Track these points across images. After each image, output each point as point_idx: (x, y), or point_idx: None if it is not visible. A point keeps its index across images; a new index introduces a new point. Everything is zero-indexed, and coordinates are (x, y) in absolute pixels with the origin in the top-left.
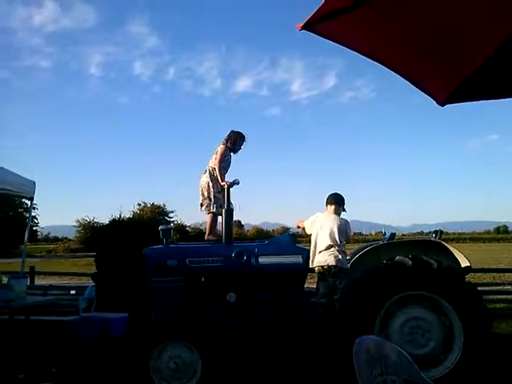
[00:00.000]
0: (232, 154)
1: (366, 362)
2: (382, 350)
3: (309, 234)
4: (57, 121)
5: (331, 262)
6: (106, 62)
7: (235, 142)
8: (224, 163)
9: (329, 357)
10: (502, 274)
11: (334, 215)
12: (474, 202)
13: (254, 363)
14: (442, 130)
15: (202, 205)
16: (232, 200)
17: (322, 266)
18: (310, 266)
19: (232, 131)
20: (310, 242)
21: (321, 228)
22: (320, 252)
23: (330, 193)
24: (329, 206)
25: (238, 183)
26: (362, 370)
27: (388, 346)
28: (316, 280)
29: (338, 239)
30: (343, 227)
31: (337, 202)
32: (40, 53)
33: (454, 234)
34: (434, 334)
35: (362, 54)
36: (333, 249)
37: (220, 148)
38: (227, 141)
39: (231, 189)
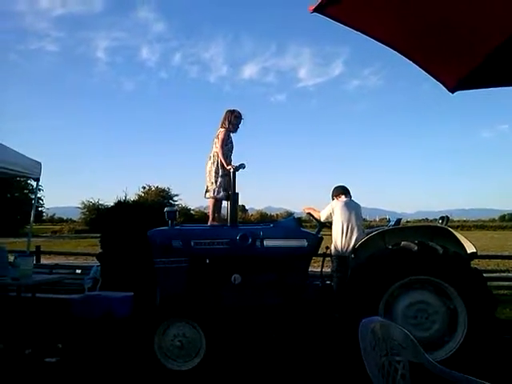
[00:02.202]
0: (232, 134)
1: (372, 342)
2: (387, 331)
3: (324, 220)
4: (63, 103)
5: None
6: (113, 47)
7: (231, 121)
8: (227, 146)
9: (333, 339)
10: (506, 260)
11: (355, 202)
12: (479, 190)
13: (257, 344)
14: (452, 119)
15: (207, 191)
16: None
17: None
18: (338, 250)
19: (227, 111)
20: (315, 226)
21: (351, 213)
22: (352, 235)
23: (337, 185)
24: (342, 195)
25: (244, 167)
26: (368, 351)
27: (393, 328)
28: (336, 263)
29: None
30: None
31: (347, 192)
32: (48, 37)
33: (458, 221)
34: (438, 317)
35: (372, 38)
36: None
37: (220, 132)
38: (224, 122)
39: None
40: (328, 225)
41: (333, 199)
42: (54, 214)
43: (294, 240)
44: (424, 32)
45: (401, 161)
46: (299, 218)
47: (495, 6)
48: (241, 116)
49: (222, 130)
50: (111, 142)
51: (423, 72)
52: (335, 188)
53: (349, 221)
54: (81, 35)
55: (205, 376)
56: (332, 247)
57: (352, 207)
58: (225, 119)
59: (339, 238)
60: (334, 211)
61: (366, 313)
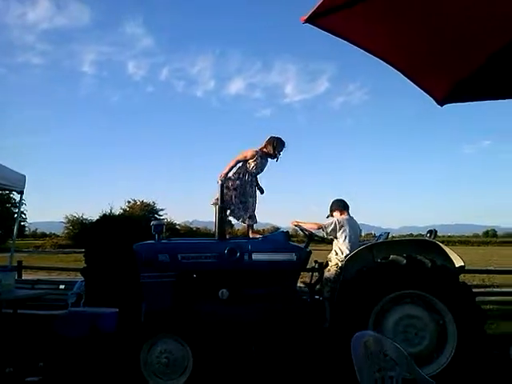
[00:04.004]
0: (272, 159)
1: (365, 357)
2: (380, 346)
3: (329, 236)
4: (47, 118)
5: None
6: (100, 61)
7: (276, 147)
8: (251, 167)
9: (323, 353)
10: (491, 275)
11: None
12: (463, 205)
13: (246, 360)
14: (435, 134)
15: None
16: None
17: None
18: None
19: (272, 136)
20: (302, 241)
21: (356, 230)
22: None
23: (338, 199)
24: (345, 211)
25: (232, 179)
26: (361, 365)
27: (387, 342)
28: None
29: None
30: None
31: (348, 208)
32: (33, 50)
33: (443, 236)
34: (427, 332)
35: (363, 49)
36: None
37: (251, 149)
38: (267, 146)
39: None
40: (319, 239)
41: (332, 212)
42: (37, 229)
43: (282, 254)
44: (414, 44)
45: (385, 176)
46: (287, 232)
47: (485, 18)
48: (284, 145)
49: (255, 149)
50: (96, 156)
51: (410, 86)
52: (337, 202)
53: (356, 238)
54: (67, 49)
55: None
56: (335, 260)
57: (356, 225)
58: (268, 144)
59: (346, 250)
60: (341, 226)
61: (355, 327)
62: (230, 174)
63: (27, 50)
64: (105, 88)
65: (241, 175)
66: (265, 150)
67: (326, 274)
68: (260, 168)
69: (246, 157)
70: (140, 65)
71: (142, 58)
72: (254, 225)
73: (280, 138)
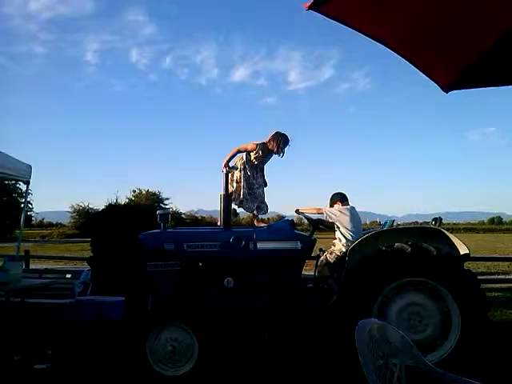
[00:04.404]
0: (277, 155)
1: (369, 344)
2: (384, 333)
3: (331, 221)
4: (52, 107)
5: None
6: (103, 49)
7: (280, 144)
8: (252, 161)
9: (327, 341)
10: (496, 262)
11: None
12: (469, 192)
13: (251, 348)
14: (441, 121)
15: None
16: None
17: None
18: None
19: (278, 132)
20: (307, 230)
21: (358, 218)
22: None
23: (337, 192)
24: (345, 202)
25: (236, 169)
26: (365, 353)
27: (390, 330)
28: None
29: None
30: None
31: (347, 199)
32: (36, 39)
33: (448, 224)
34: (431, 319)
35: (367, 36)
36: None
37: (253, 142)
38: (271, 142)
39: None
40: (322, 227)
41: (332, 204)
42: (43, 219)
43: (287, 242)
44: (419, 31)
45: (390, 164)
46: (292, 221)
47: (489, 4)
48: (289, 141)
49: (258, 142)
50: (101, 145)
51: (415, 74)
52: (337, 195)
53: (359, 226)
54: (70, 38)
55: (198, 381)
56: (341, 247)
57: (358, 215)
58: (272, 139)
59: (350, 239)
60: (345, 214)
61: (360, 314)
62: (231, 164)
63: (30, 40)
64: (108, 77)
65: (242, 167)
66: (268, 144)
67: (330, 260)
68: (261, 161)
69: (246, 148)
70: (143, 53)
71: (145, 47)
72: (264, 214)
73: (285, 135)
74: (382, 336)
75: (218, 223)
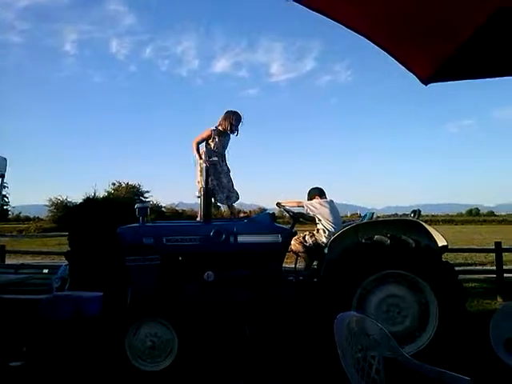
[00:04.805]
0: (232, 134)
1: (347, 337)
2: (362, 326)
3: (312, 214)
4: (28, 98)
5: None
6: (82, 40)
7: (232, 122)
8: (211, 145)
9: (306, 333)
10: (474, 254)
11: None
12: (447, 185)
13: (231, 342)
14: (419, 113)
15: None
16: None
17: None
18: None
19: (228, 111)
20: (288, 223)
21: (336, 212)
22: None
23: (314, 187)
24: (323, 196)
25: (215, 161)
26: (343, 346)
27: (369, 323)
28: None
29: None
30: None
31: (325, 194)
32: (13, 28)
33: (427, 216)
34: (410, 311)
35: (348, 28)
36: None
37: (206, 129)
38: (221, 122)
39: None
40: (303, 220)
41: (311, 199)
42: (20, 213)
43: (268, 235)
44: (399, 23)
45: (369, 156)
46: (273, 214)
47: None
48: (241, 118)
49: (210, 128)
50: (79, 137)
51: (396, 65)
52: (314, 189)
53: (338, 219)
54: (48, 27)
55: (178, 376)
56: (323, 239)
57: (336, 208)
58: (223, 119)
59: (329, 230)
60: (324, 206)
61: (339, 307)
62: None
63: (6, 29)
64: (87, 67)
65: (206, 157)
66: (221, 127)
67: (308, 242)
68: (222, 146)
69: (203, 137)
70: (123, 43)
71: (125, 37)
72: (235, 203)
73: (235, 112)
74: (360, 329)
75: (198, 218)
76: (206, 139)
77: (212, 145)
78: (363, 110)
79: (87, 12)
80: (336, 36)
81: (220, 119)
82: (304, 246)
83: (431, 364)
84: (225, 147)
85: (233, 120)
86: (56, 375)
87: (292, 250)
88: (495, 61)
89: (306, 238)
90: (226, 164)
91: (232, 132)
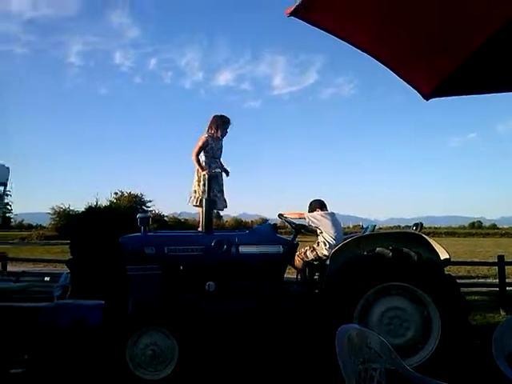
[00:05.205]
0: (221, 137)
1: (348, 350)
2: (364, 339)
3: (314, 226)
4: (33, 109)
5: None
6: (87, 51)
7: (219, 126)
8: (208, 152)
9: (307, 345)
10: (476, 267)
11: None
12: (450, 197)
13: (232, 352)
14: (423, 126)
15: (191, 197)
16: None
17: None
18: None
19: (215, 116)
20: (290, 233)
21: (338, 225)
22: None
23: (315, 200)
24: (324, 208)
25: (218, 173)
26: (345, 358)
27: (370, 335)
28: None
29: None
30: None
31: (326, 206)
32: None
33: (430, 228)
34: (412, 323)
35: (348, 43)
36: None
37: (200, 138)
38: (211, 127)
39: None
40: (305, 232)
41: (312, 211)
42: (23, 220)
43: (269, 246)
44: (399, 38)
45: (373, 169)
46: (275, 225)
47: (471, 12)
48: (229, 121)
49: (203, 136)
50: (83, 147)
51: (398, 80)
52: (316, 201)
53: (340, 231)
54: (53, 39)
55: None
56: (324, 251)
57: (338, 220)
58: (211, 124)
59: (331, 243)
60: (326, 218)
61: (341, 319)
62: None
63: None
64: (92, 79)
65: (207, 167)
66: (210, 131)
67: (309, 257)
68: (217, 151)
69: (200, 147)
70: (127, 55)
71: (129, 49)
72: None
73: (221, 116)
74: (361, 341)
75: (199, 228)
76: (204, 147)
77: (212, 152)
78: (366, 122)
79: (92, 24)
80: (339, 49)
81: (208, 125)
82: (305, 262)
83: (433, 377)
84: (220, 152)
85: (219, 123)
86: (56, 383)
87: (293, 266)
88: (496, 77)
89: (307, 253)
90: (222, 168)
91: (221, 135)
